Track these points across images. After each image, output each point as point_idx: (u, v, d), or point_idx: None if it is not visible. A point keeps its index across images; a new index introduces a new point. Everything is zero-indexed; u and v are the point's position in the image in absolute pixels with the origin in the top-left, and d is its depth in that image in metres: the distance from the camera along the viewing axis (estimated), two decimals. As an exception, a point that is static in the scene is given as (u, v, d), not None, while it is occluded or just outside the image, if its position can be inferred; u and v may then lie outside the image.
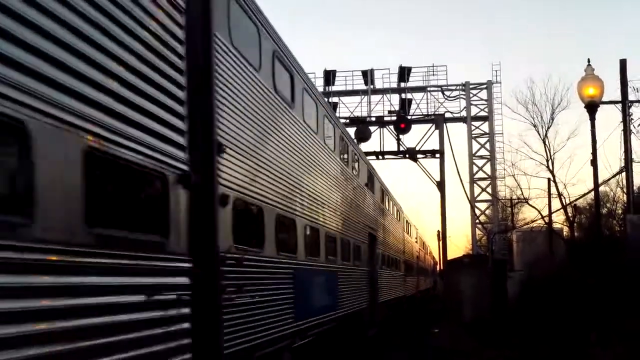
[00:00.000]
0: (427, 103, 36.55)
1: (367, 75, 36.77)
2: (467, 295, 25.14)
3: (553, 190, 33.63)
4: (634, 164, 24.07)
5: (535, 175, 35.13)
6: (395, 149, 31.95)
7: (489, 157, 39.26)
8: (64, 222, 4.02)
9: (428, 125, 33.68)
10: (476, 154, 39.38)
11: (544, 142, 33.05)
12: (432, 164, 41.14)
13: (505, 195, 40.86)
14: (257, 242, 7.87)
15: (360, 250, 16.29)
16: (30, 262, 3.72)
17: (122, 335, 4.66)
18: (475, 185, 39.75)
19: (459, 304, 25.12)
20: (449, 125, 34.73)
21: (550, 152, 32.89)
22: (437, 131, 32.90)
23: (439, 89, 37.04)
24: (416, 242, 41.04)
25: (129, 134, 4.79)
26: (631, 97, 23.80)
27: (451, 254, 36.01)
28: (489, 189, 39.85)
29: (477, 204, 39.98)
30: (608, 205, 38.44)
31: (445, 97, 37.11)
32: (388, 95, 36.88)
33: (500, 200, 40.96)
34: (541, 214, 35.85)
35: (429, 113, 35.69)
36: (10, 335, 3.50)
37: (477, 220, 40.51)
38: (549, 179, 33.83)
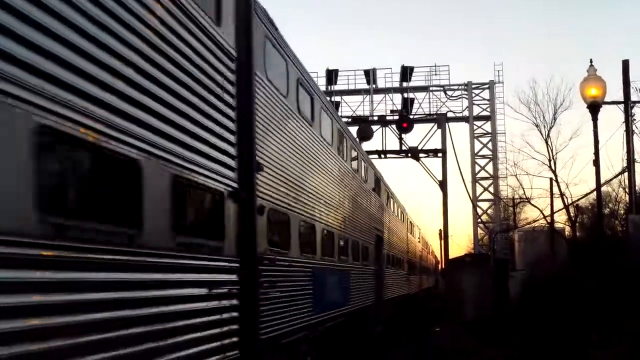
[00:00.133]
0: (430, 102, 38.02)
1: (370, 75, 38.27)
2: (468, 295, 25.73)
3: (555, 190, 34.91)
4: (636, 164, 24.84)
5: (537, 175, 37.29)
6: (397, 148, 32.80)
7: (491, 156, 40.47)
8: (164, 233, 5.63)
9: (430, 125, 34.46)
10: (478, 154, 40.59)
11: (546, 142, 34.61)
12: (434, 163, 42.51)
13: (507, 195, 42.05)
14: (285, 245, 9.52)
15: (368, 250, 18.02)
16: (150, 263, 5.37)
17: (196, 319, 6.26)
18: (477, 184, 40.90)
19: (460, 303, 25.75)
20: (451, 124, 35.52)
21: (552, 152, 34.49)
22: (439, 130, 33.55)
23: (442, 88, 38.47)
24: (419, 241, 42.54)
25: (201, 163, 6.40)
26: (634, 97, 24.81)
27: (453, 253, 37.44)
28: (491, 189, 41.02)
29: (479, 204, 41.06)
30: (610, 205, 39.23)
31: (448, 96, 38.57)
32: (390, 95, 38.37)
33: (502, 199, 41.98)
34: (543, 214, 36.94)
35: (431, 112, 36.79)
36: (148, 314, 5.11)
37: (479, 220, 41.60)
38: (551, 179, 35.13)
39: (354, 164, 16.53)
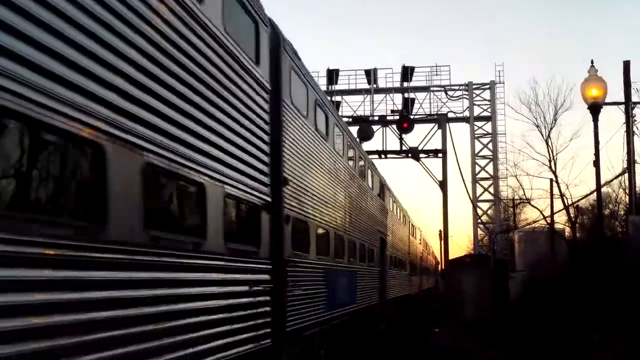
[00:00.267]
0: (430, 103, 39.17)
1: (370, 75, 39.52)
2: (468, 295, 26.39)
3: (555, 190, 35.76)
4: (636, 165, 25.19)
5: (537, 176, 37.79)
6: (397, 148, 33.94)
7: (491, 157, 41.64)
8: (219, 241, 7.29)
9: (431, 125, 35.63)
10: (479, 154, 41.74)
11: (547, 143, 35.65)
12: (435, 164, 43.07)
13: (507, 196, 43.24)
14: (305, 249, 11.24)
15: (373, 252, 19.86)
16: (211, 266, 7.03)
17: (240, 312, 7.93)
18: (477, 185, 41.97)
19: (460, 303, 26.42)
20: (452, 125, 36.52)
21: (552, 153, 35.59)
22: (439, 131, 34.69)
23: (442, 88, 39.67)
24: (419, 243, 44.16)
25: (245, 182, 8.07)
26: (635, 98, 25.31)
27: (453, 254, 37.81)
28: (491, 189, 42.08)
29: (479, 204, 42.06)
30: (610, 206, 40.45)
31: (448, 97, 39.73)
32: (391, 95, 39.62)
33: (502, 200, 43.07)
34: (543, 215, 37.81)
35: (432, 113, 38.11)
36: (189, 309, 6.77)
37: (479, 220, 42.56)
38: (551, 180, 36.01)
39: (362, 171, 18.34)
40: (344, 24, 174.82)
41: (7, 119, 4.09)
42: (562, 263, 30.05)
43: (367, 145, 31.56)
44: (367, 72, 39.83)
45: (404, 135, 33.88)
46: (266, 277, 8.94)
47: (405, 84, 39.40)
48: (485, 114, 41.02)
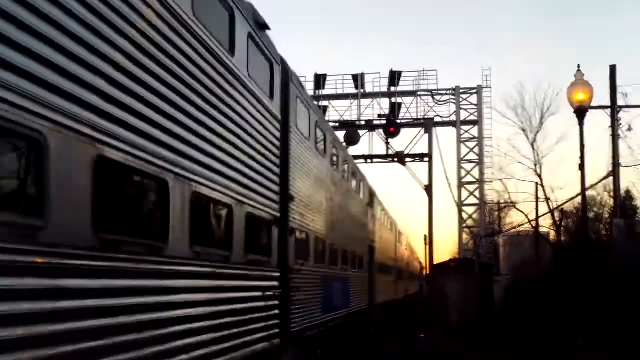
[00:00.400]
0: (417, 107, 40.63)
1: (358, 80, 40.94)
2: (453, 300, 27.30)
3: (541, 194, 37.05)
4: (621, 168, 25.94)
5: (523, 180, 39.00)
6: (384, 152, 35.79)
7: (477, 161, 43.09)
8: (242, 253, 9.01)
9: (417, 129, 37.66)
10: (465, 158, 43.23)
11: (533, 147, 36.97)
12: (421, 168, 45.08)
13: (492, 200, 44.83)
14: (305, 257, 12.99)
15: (362, 259, 21.76)
16: (236, 275, 8.75)
17: (251, 314, 9.61)
18: (463, 189, 43.44)
19: (444, 308, 27.38)
20: (439, 129, 39.00)
21: (538, 157, 36.80)
22: (426, 135, 36.72)
23: (429, 93, 41.18)
24: (405, 249, 45.93)
25: (262, 202, 9.81)
26: (620, 102, 25.83)
27: (437, 259, 40.18)
28: (476, 193, 43.49)
29: (464, 208, 43.59)
30: (595, 209, 42.05)
31: (435, 101, 41.24)
32: (378, 99, 41.06)
33: (487, 204, 44.65)
34: (528, 218, 39.30)
35: (419, 117, 39.65)
36: (213, 312, 8.48)
37: (464, 224, 44.11)
38: (536, 183, 37.41)
39: (354, 183, 20.21)
40: (332, 29, 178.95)
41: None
42: (547, 267, 31.46)
43: (353, 150, 32.93)
44: (355, 77, 41.19)
45: (390, 140, 35.67)
46: (276, 283, 10.67)
47: (393, 89, 40.88)
48: (472, 118, 42.45)
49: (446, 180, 40.24)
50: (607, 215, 39.94)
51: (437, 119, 40.22)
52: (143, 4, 6.14)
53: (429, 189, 34.69)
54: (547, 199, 36.82)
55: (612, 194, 29.58)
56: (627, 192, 40.50)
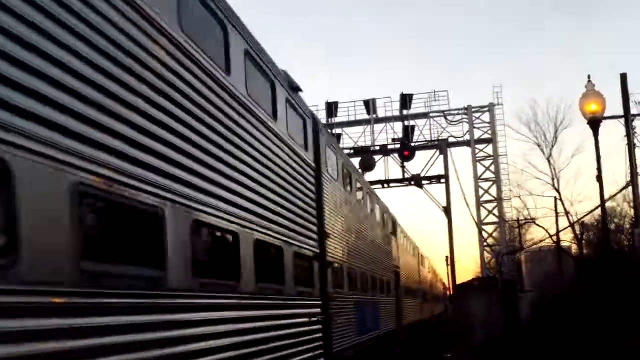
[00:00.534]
0: (430, 129, 42.90)
1: (369, 105, 43.34)
2: (477, 319, 27.62)
3: (560, 208, 38.55)
4: (639, 177, 25.59)
5: (541, 195, 40.47)
6: (400, 176, 37.33)
7: (494, 179, 45.10)
8: (293, 286, 11.23)
9: (432, 151, 39.34)
10: (481, 177, 45.34)
11: (549, 161, 38.26)
12: (438, 189, 47.38)
13: (512, 217, 46.41)
14: (340, 285, 15.21)
15: (389, 284, 24.03)
16: (289, 304, 10.98)
17: (302, 337, 11.80)
18: (481, 207, 45.54)
19: (469, 327, 27.86)
20: (453, 149, 40.53)
21: (555, 171, 38.20)
22: (441, 156, 37.94)
23: (441, 114, 43.44)
24: (428, 271, 48.18)
25: (305, 242, 12.05)
26: (633, 110, 26.18)
27: (460, 278, 39.92)
28: (495, 211, 45.49)
29: (484, 227, 45.65)
30: (616, 220, 42.25)
31: (448, 121, 43.51)
32: (391, 124, 43.45)
33: (507, 221, 46.27)
34: (549, 233, 40.38)
35: (432, 139, 41.75)
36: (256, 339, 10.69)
37: (485, 243, 46.10)
38: (555, 198, 38.97)
39: (377, 214, 22.58)
40: (340, 56, 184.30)
41: None
42: (570, 280, 32.26)
43: (369, 175, 34.83)
44: (366, 103, 43.56)
45: (405, 163, 37.11)
46: (319, 310, 12.88)
47: (405, 112, 43.18)
48: (486, 136, 44.66)
49: (464, 200, 41.82)
50: (628, 226, 39.87)
51: (450, 139, 42.05)
52: (214, 94, 8.32)
53: (447, 209, 35.66)
54: (566, 213, 38.01)
55: (631, 203, 29.22)
56: None
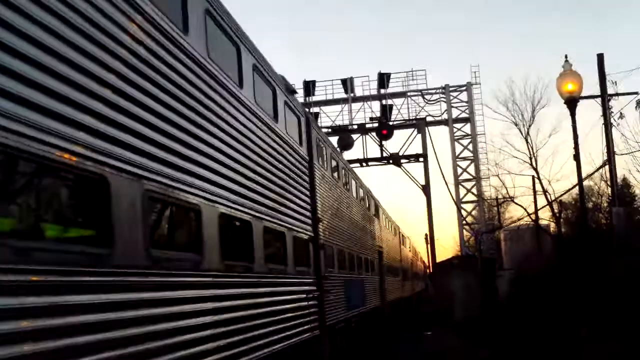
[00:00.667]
0: (408, 108, 45.42)
1: (347, 84, 45.57)
2: (457, 297, 30.24)
3: (538, 187, 38.96)
4: (616, 156, 26.69)
5: (519, 174, 40.49)
6: (378, 155, 38.19)
7: (472, 158, 47.52)
8: (292, 265, 13.56)
9: (410, 130, 40.55)
10: (459, 156, 47.77)
11: (526, 140, 38.23)
12: (417, 168, 47.65)
13: (490, 195, 48.29)
14: (332, 265, 17.59)
15: (374, 263, 26.63)
16: (292, 282, 13.34)
17: (297, 312, 14.14)
18: (460, 186, 47.99)
19: (449, 305, 30.31)
20: (431, 128, 41.92)
21: (533, 150, 37.99)
22: (419, 135, 39.34)
23: (419, 93, 45.95)
24: (409, 250, 51.07)
25: (303, 227, 14.39)
26: (610, 90, 26.39)
27: (439, 257, 42.96)
28: (474, 190, 47.96)
29: (463, 205, 48.03)
30: (593, 199, 44.45)
31: (426, 101, 46.02)
32: (369, 103, 45.81)
33: (485, 200, 48.51)
34: (527, 212, 41.29)
35: (411, 118, 43.93)
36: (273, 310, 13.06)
37: (464, 222, 48.52)
38: (533, 177, 39.53)
39: (361, 197, 25.11)
40: (318, 34, 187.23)
41: None
42: (548, 259, 32.74)
43: (348, 154, 36.15)
44: (344, 82, 45.79)
45: (384, 142, 38.16)
46: (314, 287, 15.22)
47: (382, 91, 45.55)
48: (464, 115, 47.10)
49: (443, 178, 43.10)
50: (605, 204, 41.65)
51: (429, 119, 44.18)
52: (230, 105, 10.50)
53: (426, 188, 36.89)
54: (544, 192, 38.45)
55: (609, 182, 30.00)
56: (624, 180, 43.25)
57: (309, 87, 45.24)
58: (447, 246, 78.47)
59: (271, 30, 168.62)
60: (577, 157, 19.33)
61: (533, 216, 41.57)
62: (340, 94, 46.23)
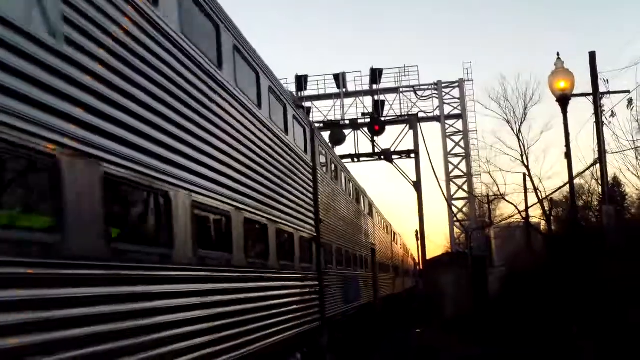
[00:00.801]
0: (400, 104, 47.27)
1: (339, 79, 47.43)
2: (447, 294, 31.53)
3: (529, 185, 40.05)
4: (607, 155, 27.18)
5: (510, 171, 42.95)
6: (370, 150, 39.51)
7: (464, 154, 49.70)
8: (296, 262, 16.03)
9: (402, 126, 42.49)
10: (451, 152, 50.04)
11: (518, 138, 39.14)
12: (408, 164, 51.01)
13: (481, 192, 50.52)
14: (331, 262, 20.11)
15: (367, 260, 29.32)
16: (298, 277, 15.85)
17: (303, 304, 16.62)
18: (451, 183, 50.26)
19: (439, 302, 31.78)
20: (423, 124, 43.99)
21: (524, 147, 38.97)
22: (411, 131, 41.16)
23: (412, 89, 47.93)
24: (400, 248, 54.09)
25: (307, 228, 16.89)
26: (602, 88, 26.72)
27: (430, 253, 45.31)
28: (465, 187, 50.16)
29: (454, 202, 50.21)
30: (584, 197, 44.21)
31: (418, 97, 48.06)
32: (361, 98, 47.66)
33: (476, 197, 50.63)
34: (518, 209, 42.73)
35: (403, 114, 45.75)
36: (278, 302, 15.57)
37: (455, 218, 50.64)
38: (524, 174, 40.84)
39: (357, 197, 27.76)
40: (312, 29, 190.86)
41: None
42: (539, 256, 33.83)
43: (339, 150, 37.57)
44: (336, 77, 47.64)
45: (376, 138, 39.53)
46: (316, 282, 17.70)
47: (375, 87, 47.46)
48: (456, 112, 49.39)
49: (434, 175, 44.30)
50: (596, 203, 41.63)
51: (421, 115, 46.08)
52: (251, 124, 12.88)
53: (417, 185, 38.27)
54: (535, 189, 39.41)
55: (599, 181, 29.68)
56: (615, 178, 43.74)
57: (301, 81, 46.74)
58: (438, 243, 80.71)
59: (263, 24, 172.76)
60: (568, 155, 20.17)
61: (524, 214, 42.89)
62: (333, 89, 47.94)
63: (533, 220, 44.88)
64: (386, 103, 47.01)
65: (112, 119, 7.28)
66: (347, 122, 43.64)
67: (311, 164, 18.06)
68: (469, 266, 33.29)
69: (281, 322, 14.04)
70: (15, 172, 5.99)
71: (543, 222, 44.50)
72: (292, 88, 45.31)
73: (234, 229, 11.30)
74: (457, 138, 50.42)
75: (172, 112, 8.99)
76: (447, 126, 49.91)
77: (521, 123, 39.56)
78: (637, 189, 37.04)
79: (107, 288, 6.88)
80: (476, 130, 50.45)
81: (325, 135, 33.59)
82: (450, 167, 50.71)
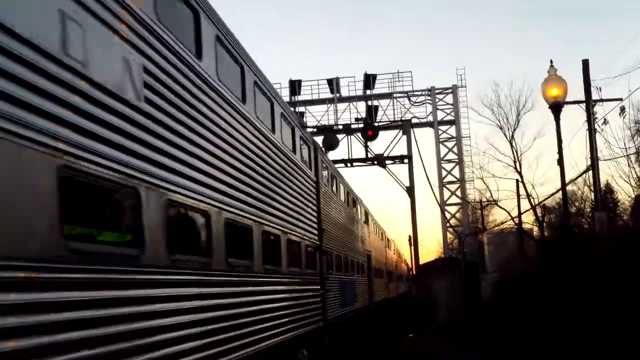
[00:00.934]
0: (394, 109, 49.44)
1: (333, 84, 49.52)
2: (440, 299, 32.54)
3: (522, 191, 41.89)
4: (599, 162, 27.98)
5: (503, 177, 44.36)
6: (363, 156, 40.23)
7: (457, 160, 51.86)
8: (302, 268, 18.76)
9: (395, 132, 43.40)
10: (444, 158, 52.20)
11: (511, 144, 41.16)
12: (401, 170, 52.63)
13: (474, 198, 52.25)
14: (330, 267, 22.88)
15: (363, 266, 32.34)
16: (304, 281, 18.62)
17: (308, 306, 19.33)
18: (444, 189, 52.39)
19: (432, 307, 32.78)
20: (417, 130, 44.99)
21: (517, 154, 41.09)
22: (404, 137, 42.18)
23: (405, 95, 50.22)
24: (394, 253, 56.81)
25: (310, 237, 19.66)
26: (595, 96, 27.83)
27: (423, 259, 45.77)
28: (458, 192, 52.34)
29: (447, 208, 52.43)
30: (576, 204, 45.51)
31: (412, 102, 50.39)
32: (354, 103, 49.86)
33: (469, 203, 52.68)
34: (511, 215, 44.48)
35: (396, 119, 47.26)
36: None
37: (448, 224, 52.69)
38: (517, 180, 42.83)
39: (353, 206, 30.58)
40: (305, 34, 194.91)
41: None
42: (531, 262, 35.37)
43: (332, 154, 38.54)
44: (330, 82, 49.74)
45: (369, 143, 40.65)
46: (318, 287, 20.41)
47: (368, 92, 49.70)
48: (449, 118, 51.62)
49: (427, 180, 45.17)
50: (588, 209, 42.86)
51: (414, 120, 47.60)
52: (264, 145, 15.55)
53: (410, 190, 39.22)
54: (528, 196, 41.28)
55: (592, 187, 30.31)
56: (607, 185, 44.26)
57: (295, 86, 48.82)
58: (431, 248, 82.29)
59: (257, 28, 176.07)
60: (560, 162, 20.96)
61: (516, 220, 44.94)
62: (326, 94, 50.05)
63: (526, 226, 47.24)
64: (379, 108, 48.57)
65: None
66: (340, 127, 45.27)
67: (314, 179, 20.74)
68: (462, 271, 34.26)
69: (291, 321, 16.68)
70: (120, 202, 8.15)
71: (536, 228, 46.45)
72: (285, 93, 47.53)
73: (254, 238, 13.82)
74: (450, 144, 52.55)
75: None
76: (440, 132, 52.04)
77: (514, 129, 41.48)
78: (629, 196, 38.08)
79: (171, 289, 9.06)
80: (469, 136, 52.29)
81: (319, 139, 35.28)
82: (443, 172, 52.75)
